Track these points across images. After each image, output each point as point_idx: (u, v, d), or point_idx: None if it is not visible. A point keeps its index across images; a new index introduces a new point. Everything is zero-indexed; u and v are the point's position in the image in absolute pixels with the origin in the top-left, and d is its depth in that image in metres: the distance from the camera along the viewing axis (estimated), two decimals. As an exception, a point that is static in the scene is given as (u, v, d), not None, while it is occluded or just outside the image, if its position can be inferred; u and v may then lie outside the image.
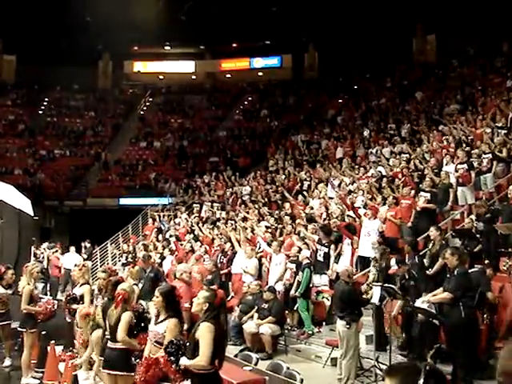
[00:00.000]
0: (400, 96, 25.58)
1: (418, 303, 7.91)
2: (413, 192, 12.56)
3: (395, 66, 29.77)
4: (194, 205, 19.79)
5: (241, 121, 33.73)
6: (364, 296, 9.00)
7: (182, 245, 15.21)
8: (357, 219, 12.22)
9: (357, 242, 11.29)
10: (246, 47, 36.65)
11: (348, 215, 12.58)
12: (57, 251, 17.77)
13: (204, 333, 4.83)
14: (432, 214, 11.80)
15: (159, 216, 21.10)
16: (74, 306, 8.30)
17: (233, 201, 19.28)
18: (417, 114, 21.32)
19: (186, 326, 7.60)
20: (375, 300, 8.42)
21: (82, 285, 8.63)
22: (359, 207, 12.87)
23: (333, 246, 11.25)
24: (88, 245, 19.42)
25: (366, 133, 20.78)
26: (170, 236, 16.74)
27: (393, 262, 9.56)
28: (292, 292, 10.70)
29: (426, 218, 11.55)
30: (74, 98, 35.98)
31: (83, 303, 8.34)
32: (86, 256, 18.28)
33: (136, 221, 23.02)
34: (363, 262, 11.25)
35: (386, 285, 8.64)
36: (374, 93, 28.02)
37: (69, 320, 8.59)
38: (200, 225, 16.45)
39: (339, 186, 15.51)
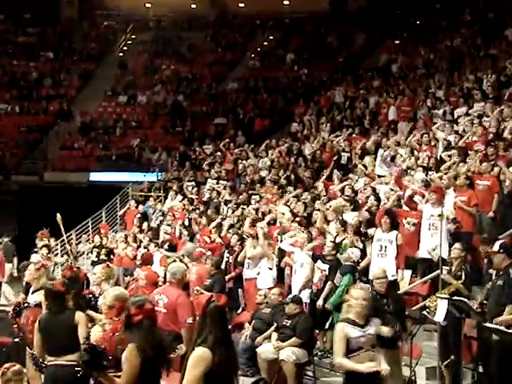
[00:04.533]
0: (483, 35, 25.28)
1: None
2: (496, 169, 12.45)
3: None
4: (188, 183, 19.87)
5: (258, 68, 33.65)
6: (425, 312, 9.00)
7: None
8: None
9: (400, 238, 11.20)
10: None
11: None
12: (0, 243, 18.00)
13: (191, 363, 4.97)
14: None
15: (144, 197, 21.21)
16: (23, 319, 8.39)
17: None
18: (507, 59, 21.02)
19: (183, 349, 7.70)
20: (439, 318, 8.43)
21: (37, 290, 8.72)
22: (415, 192, 12.74)
23: (369, 243, 11.20)
24: (6, 239, 19.31)
25: (439, 93, 20.53)
26: (159, 225, 16.90)
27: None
28: (319, 302, 10.73)
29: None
30: (26, 32, 36.03)
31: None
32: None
33: (112, 204, 23.13)
34: (424, 266, 11.21)
35: (456, 297, 8.63)
36: (446, 31, 27.76)
37: (17, 340, 8.72)
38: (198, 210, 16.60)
39: (392, 160, 15.44)
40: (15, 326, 8.49)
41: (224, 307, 5.68)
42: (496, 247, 9.40)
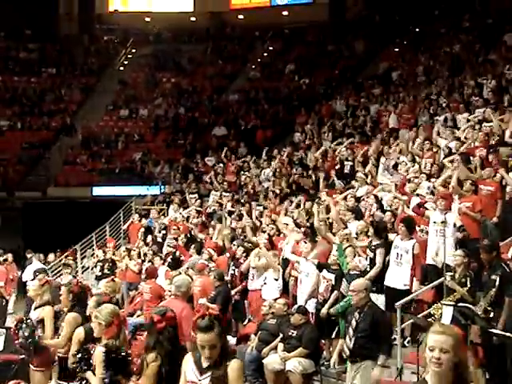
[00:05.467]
0: (482, 40, 25.29)
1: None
2: (498, 175, 12.44)
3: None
4: (191, 195, 19.90)
5: (258, 79, 33.72)
6: (431, 319, 8.98)
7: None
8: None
9: (417, 248, 11.15)
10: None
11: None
12: (6, 260, 18.00)
13: (237, 376, 4.88)
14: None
15: (147, 211, 21.23)
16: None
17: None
18: (506, 65, 21.02)
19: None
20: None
21: (40, 306, 8.71)
22: (423, 197, 12.74)
23: (380, 251, 11.11)
24: (30, 255, 19.38)
25: (440, 100, 20.53)
26: (163, 238, 16.90)
27: None
28: (323, 310, 10.69)
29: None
30: (26, 48, 36.10)
31: (43, 331, 8.41)
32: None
33: (116, 218, 23.17)
34: (432, 273, 11.16)
35: (461, 304, 8.61)
36: (445, 37, 27.79)
37: (23, 356, 8.72)
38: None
39: (395, 167, 15.44)
40: (16, 342, 8.45)
41: None
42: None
